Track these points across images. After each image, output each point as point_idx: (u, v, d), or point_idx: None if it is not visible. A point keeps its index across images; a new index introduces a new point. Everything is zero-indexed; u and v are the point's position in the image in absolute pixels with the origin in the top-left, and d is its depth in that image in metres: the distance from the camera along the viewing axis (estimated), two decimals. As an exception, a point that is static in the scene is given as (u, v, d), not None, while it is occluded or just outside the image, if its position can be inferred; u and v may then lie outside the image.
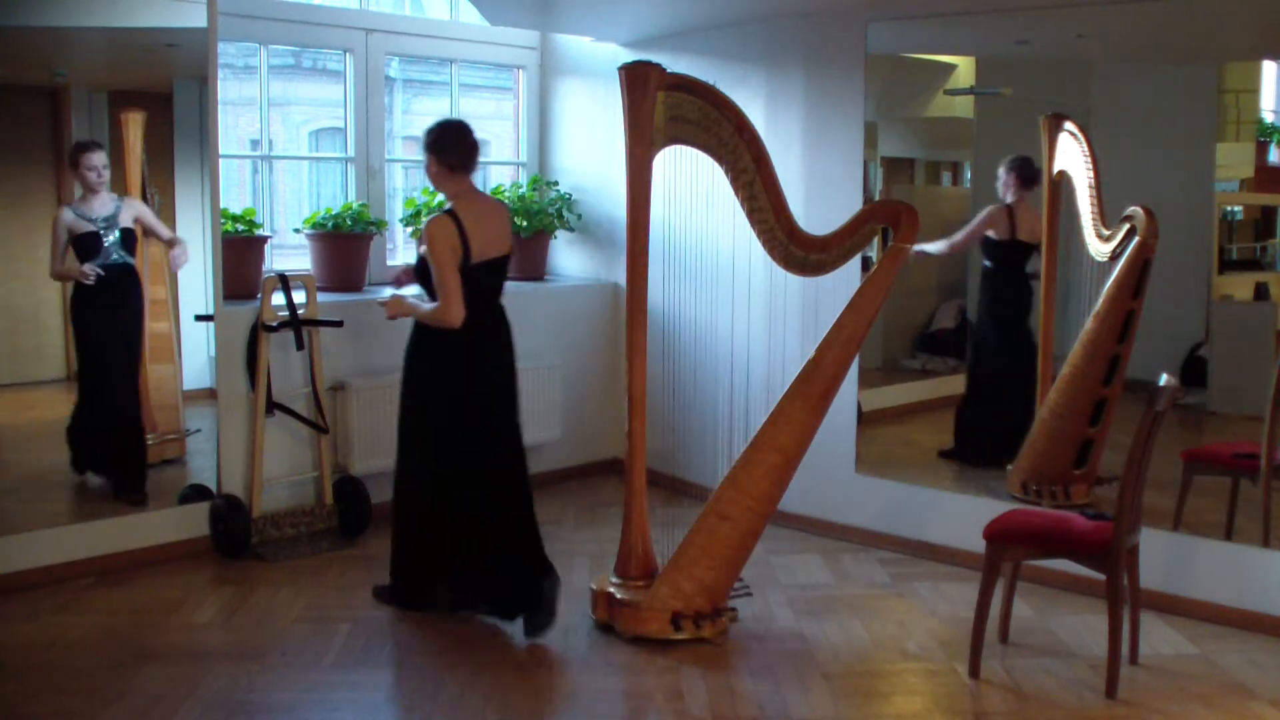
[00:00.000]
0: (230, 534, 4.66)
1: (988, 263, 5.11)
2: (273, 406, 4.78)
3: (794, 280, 4.36)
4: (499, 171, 6.40)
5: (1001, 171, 4.99)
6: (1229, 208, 4.92)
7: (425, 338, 3.94)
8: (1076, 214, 4.75)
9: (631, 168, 3.86)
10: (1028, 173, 4.92)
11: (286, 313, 4.77)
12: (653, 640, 3.86)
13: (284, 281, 4.78)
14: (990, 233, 5.03)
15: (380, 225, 5.49)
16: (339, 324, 4.83)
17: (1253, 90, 4.78)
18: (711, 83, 3.82)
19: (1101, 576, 3.49)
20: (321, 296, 5.19)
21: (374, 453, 5.10)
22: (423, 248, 3.85)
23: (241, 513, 4.69)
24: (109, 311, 4.62)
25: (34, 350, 4.65)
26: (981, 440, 5.16)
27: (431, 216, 3.85)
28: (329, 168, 6.27)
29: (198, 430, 4.90)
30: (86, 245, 4.50)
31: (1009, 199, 4.98)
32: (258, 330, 4.74)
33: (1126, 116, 4.92)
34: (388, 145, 5.70)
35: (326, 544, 4.84)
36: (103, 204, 4.54)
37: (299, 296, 4.83)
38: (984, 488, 4.92)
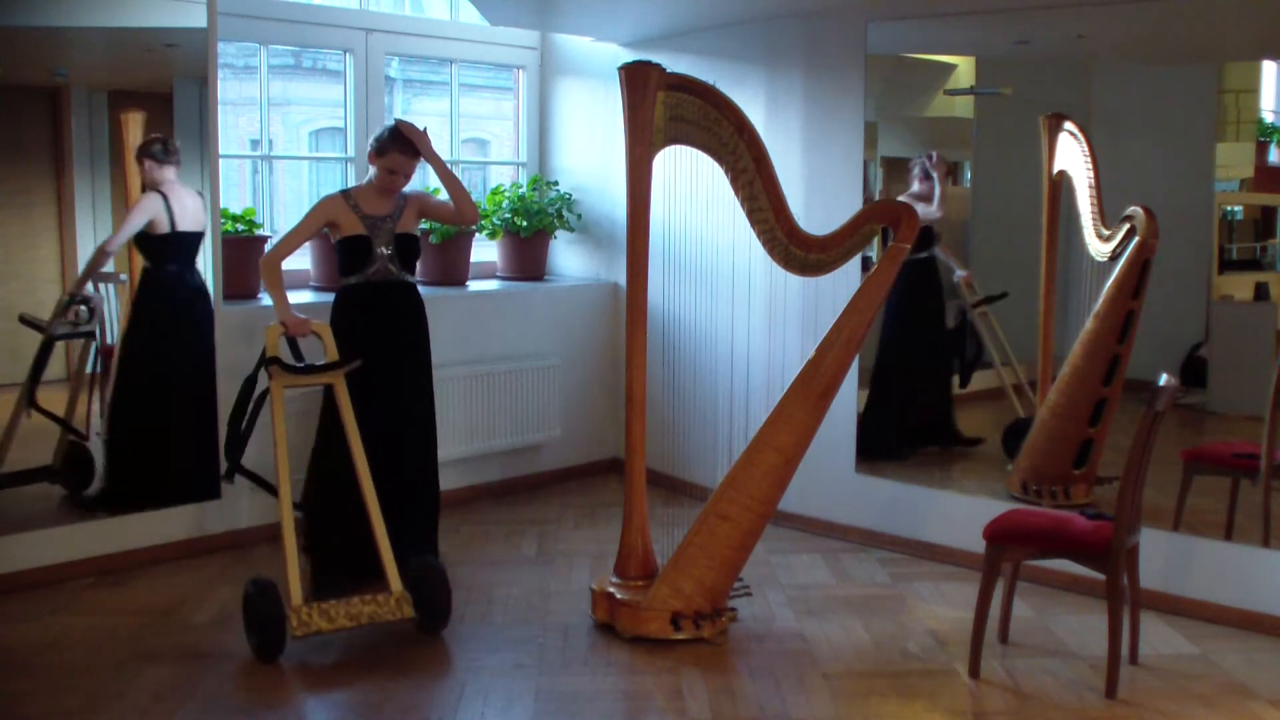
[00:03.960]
0: (263, 625, 3.66)
1: None
2: (236, 471, 4.12)
3: (794, 280, 4.36)
4: (499, 171, 6.40)
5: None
6: (1229, 208, 4.91)
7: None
8: (1076, 214, 4.75)
9: (631, 168, 3.86)
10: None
11: (298, 364, 4.10)
12: (653, 640, 3.86)
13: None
14: None
15: (380, 225, 5.49)
16: (358, 364, 4.06)
17: (1253, 90, 4.77)
18: (711, 83, 3.82)
19: (1101, 576, 3.49)
20: (321, 297, 5.19)
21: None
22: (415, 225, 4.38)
23: (273, 599, 3.68)
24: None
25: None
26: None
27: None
28: (329, 168, 6.28)
29: (198, 430, 4.89)
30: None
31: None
32: (255, 383, 4.07)
33: (1126, 116, 4.92)
34: (388, 145, 5.70)
35: (397, 639, 3.87)
36: None
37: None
38: (984, 488, 4.92)
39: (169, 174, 4.53)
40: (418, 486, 4.40)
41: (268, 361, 3.95)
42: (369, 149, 4.27)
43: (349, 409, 3.97)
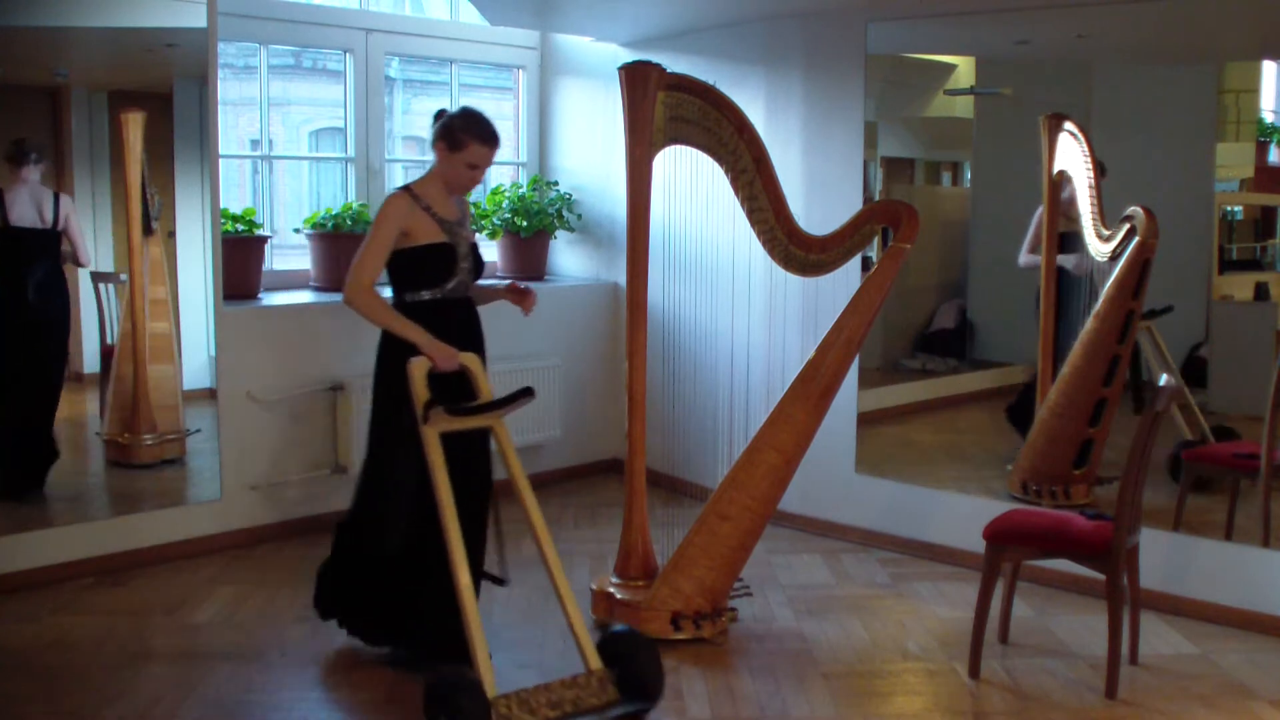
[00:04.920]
0: None
1: None
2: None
3: (794, 280, 4.36)
4: (499, 171, 6.40)
5: None
6: (1229, 208, 4.92)
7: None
8: (1076, 214, 4.75)
9: (631, 168, 3.86)
10: None
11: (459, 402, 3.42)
12: (653, 640, 3.85)
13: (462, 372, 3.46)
14: None
15: (380, 225, 5.49)
16: (530, 394, 3.39)
17: (1253, 90, 4.78)
18: (711, 83, 3.82)
19: (1101, 576, 3.49)
20: (321, 297, 5.20)
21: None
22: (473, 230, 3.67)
23: (476, 697, 3.05)
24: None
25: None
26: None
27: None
28: (329, 168, 6.28)
29: (198, 430, 4.90)
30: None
31: None
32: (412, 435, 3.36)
33: (1126, 116, 4.92)
34: (388, 145, 5.70)
35: None
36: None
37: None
38: (984, 488, 4.92)
39: (25, 174, 4.46)
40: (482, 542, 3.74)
41: (427, 405, 3.28)
42: (434, 139, 3.61)
43: (513, 453, 3.39)
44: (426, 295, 3.60)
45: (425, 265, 3.58)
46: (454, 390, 3.44)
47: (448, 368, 3.42)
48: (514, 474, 3.37)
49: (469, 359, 3.46)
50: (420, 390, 3.32)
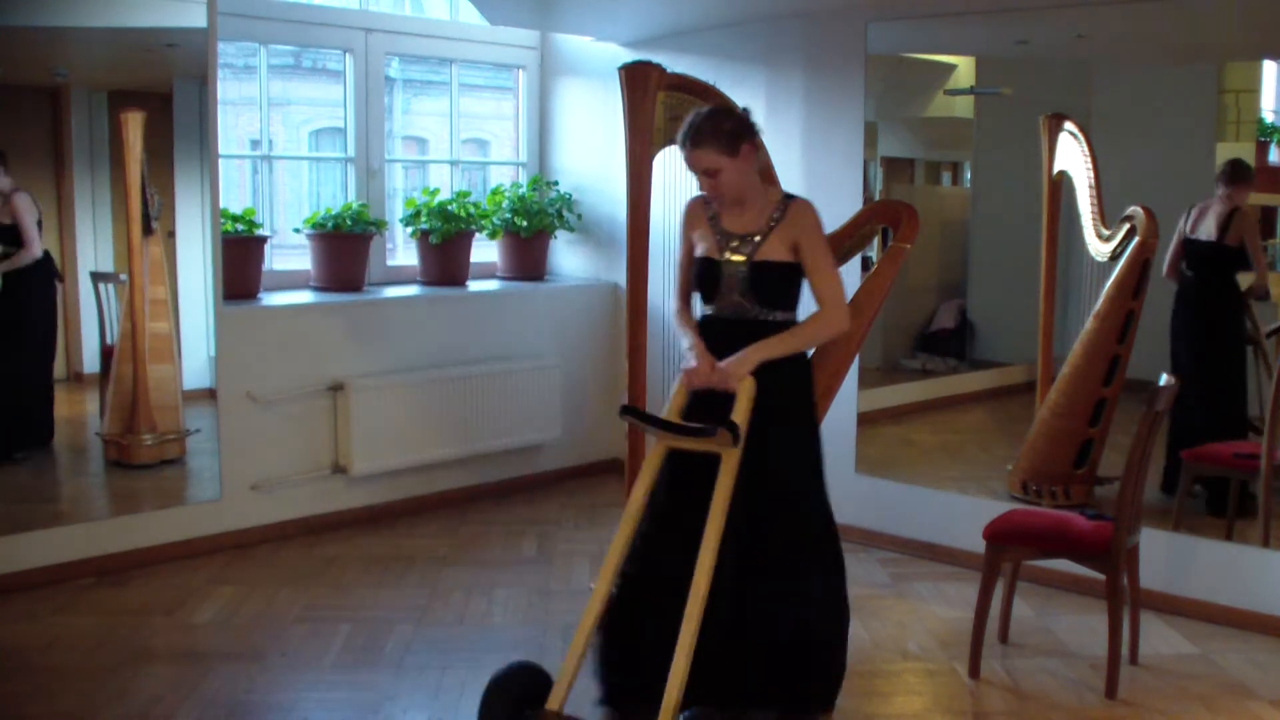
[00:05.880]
0: None
1: None
2: None
3: (794, 280, 4.36)
4: (499, 171, 6.40)
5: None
6: (1229, 208, 4.90)
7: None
8: (1076, 214, 4.75)
9: (631, 168, 3.86)
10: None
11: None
12: None
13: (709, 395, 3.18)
14: None
15: (380, 225, 5.49)
16: (709, 433, 3.04)
17: (1253, 90, 4.77)
18: (711, 83, 3.82)
19: (1101, 576, 3.49)
20: (321, 297, 5.20)
21: (375, 454, 5.11)
22: (780, 243, 3.24)
23: (512, 700, 3.07)
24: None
25: None
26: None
27: (801, 199, 3.30)
28: (329, 168, 6.27)
29: (198, 430, 4.90)
30: None
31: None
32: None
33: (1126, 116, 4.92)
34: (388, 145, 5.70)
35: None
36: None
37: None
38: (984, 488, 4.92)
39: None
40: (776, 618, 3.18)
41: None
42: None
43: (725, 493, 2.97)
44: (705, 310, 3.37)
45: (696, 279, 3.37)
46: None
47: (692, 381, 3.19)
48: (713, 515, 2.96)
49: (740, 383, 3.10)
50: (675, 400, 3.19)
